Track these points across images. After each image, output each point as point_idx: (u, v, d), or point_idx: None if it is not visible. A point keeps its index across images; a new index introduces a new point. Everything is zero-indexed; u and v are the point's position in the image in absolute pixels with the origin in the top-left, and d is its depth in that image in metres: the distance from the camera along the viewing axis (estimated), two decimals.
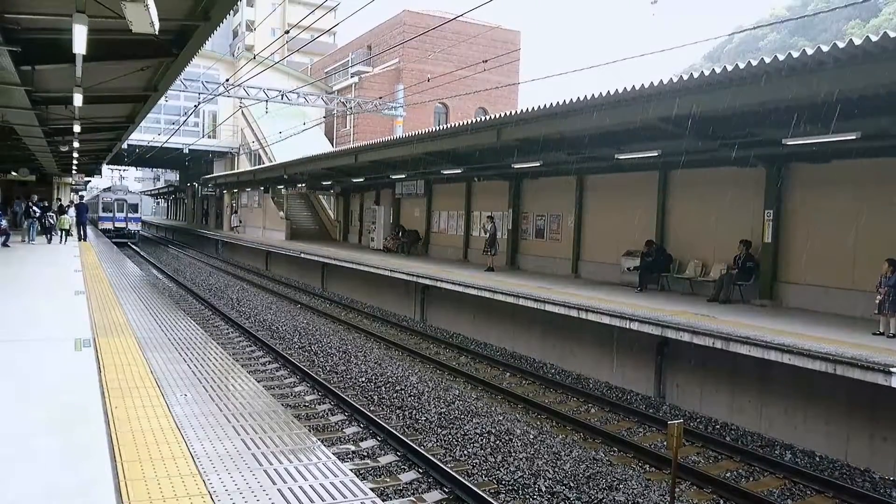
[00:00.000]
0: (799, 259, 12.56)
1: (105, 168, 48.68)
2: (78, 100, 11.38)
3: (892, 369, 7.55)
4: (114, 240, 36.17)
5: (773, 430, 9.86)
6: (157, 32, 6.14)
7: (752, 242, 13.03)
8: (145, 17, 5.66)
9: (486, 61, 26.81)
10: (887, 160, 10.92)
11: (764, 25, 68.19)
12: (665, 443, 8.92)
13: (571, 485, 7.63)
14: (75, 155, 24.68)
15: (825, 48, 7.82)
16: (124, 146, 33.59)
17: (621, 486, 7.68)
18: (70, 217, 27.34)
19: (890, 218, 10.96)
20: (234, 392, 6.13)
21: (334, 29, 52.14)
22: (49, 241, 24.06)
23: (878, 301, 9.61)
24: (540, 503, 7.25)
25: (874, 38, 7.33)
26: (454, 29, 36.46)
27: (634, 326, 11.11)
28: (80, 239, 27.27)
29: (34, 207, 24.48)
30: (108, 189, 48.59)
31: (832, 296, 11.86)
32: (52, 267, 16.58)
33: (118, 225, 41.86)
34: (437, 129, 17.87)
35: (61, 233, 24.84)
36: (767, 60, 8.45)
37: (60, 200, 34.52)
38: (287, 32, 31.22)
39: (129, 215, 43.14)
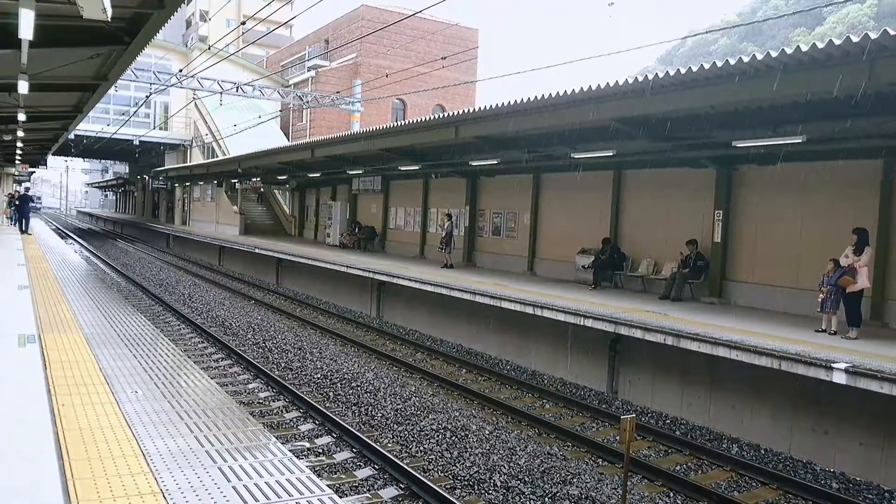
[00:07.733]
0: (747, 258, 12.95)
1: (50, 158, 47.65)
2: (23, 87, 10.96)
3: (833, 365, 7.84)
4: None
5: (721, 424, 10.14)
6: (109, 19, 5.96)
7: (698, 242, 13.37)
8: (97, 3, 5.47)
9: (444, 58, 26.80)
10: (831, 163, 11.30)
11: (715, 30, 69.99)
12: (618, 437, 9.08)
13: (526, 479, 7.71)
14: (19, 144, 23.85)
15: (774, 53, 8.07)
16: (71, 136, 32.60)
17: (575, 479, 7.80)
18: None
19: (833, 219, 11.38)
20: (186, 389, 6.01)
21: (291, 22, 51.41)
22: None
23: (820, 300, 9.98)
24: (495, 498, 7.31)
25: (820, 45, 7.60)
26: (412, 25, 36.38)
27: (588, 323, 11.28)
28: (21, 231, 26.34)
29: None
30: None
31: (778, 294, 12.25)
32: None
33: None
34: (395, 124, 17.83)
35: None
36: (719, 64, 8.69)
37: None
38: (243, 24, 30.73)
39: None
